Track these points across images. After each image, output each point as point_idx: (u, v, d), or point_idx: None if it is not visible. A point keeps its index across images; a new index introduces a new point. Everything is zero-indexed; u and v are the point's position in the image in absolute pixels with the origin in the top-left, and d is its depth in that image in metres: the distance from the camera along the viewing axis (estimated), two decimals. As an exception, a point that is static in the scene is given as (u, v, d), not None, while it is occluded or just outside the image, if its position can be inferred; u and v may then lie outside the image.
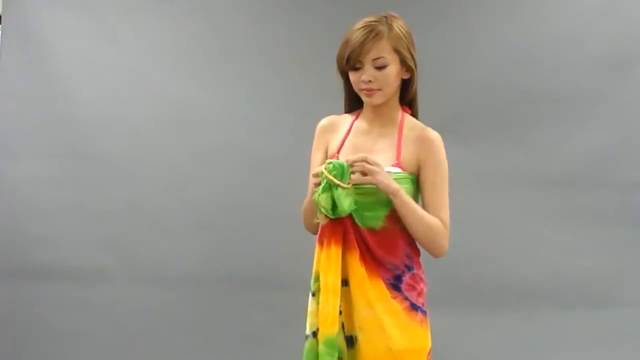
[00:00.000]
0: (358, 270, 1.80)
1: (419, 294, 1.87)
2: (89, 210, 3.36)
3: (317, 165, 1.94)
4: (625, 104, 3.19)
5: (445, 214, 1.87)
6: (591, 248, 3.18)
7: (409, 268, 1.86)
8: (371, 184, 1.76)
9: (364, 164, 1.75)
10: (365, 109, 1.98)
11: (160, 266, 3.34)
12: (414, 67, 1.91)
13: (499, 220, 3.22)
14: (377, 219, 1.84)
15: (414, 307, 1.84)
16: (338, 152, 1.93)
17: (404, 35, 1.88)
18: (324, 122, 2.03)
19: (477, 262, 3.19)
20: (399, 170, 1.85)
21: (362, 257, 1.81)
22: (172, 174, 3.36)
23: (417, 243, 1.90)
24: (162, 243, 3.35)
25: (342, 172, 1.74)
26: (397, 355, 1.78)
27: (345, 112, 2.04)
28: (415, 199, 1.89)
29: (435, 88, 3.11)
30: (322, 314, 1.77)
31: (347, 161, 1.76)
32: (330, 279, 1.78)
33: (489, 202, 3.22)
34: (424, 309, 1.87)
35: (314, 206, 1.81)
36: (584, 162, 3.19)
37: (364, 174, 1.75)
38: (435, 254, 1.88)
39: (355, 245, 1.81)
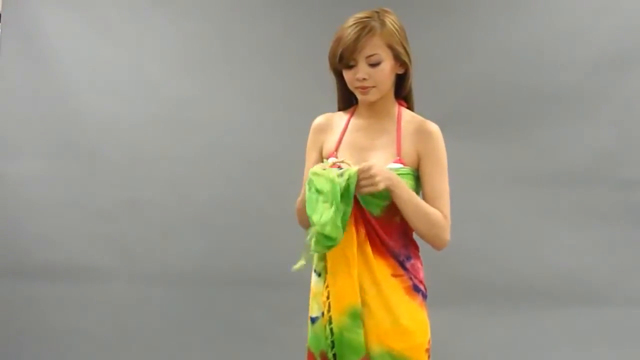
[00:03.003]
0: (363, 247, 1.79)
1: (420, 281, 1.87)
2: (89, 209, 3.36)
3: (311, 163, 1.94)
4: (626, 102, 3.18)
5: (446, 205, 1.85)
6: (592, 246, 3.18)
7: (408, 257, 1.86)
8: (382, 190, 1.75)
9: (370, 177, 1.71)
10: (361, 106, 1.97)
11: (160, 265, 3.35)
12: (408, 62, 1.89)
13: (499, 218, 3.22)
14: (377, 206, 1.83)
15: (415, 289, 1.84)
16: (336, 150, 1.92)
17: (396, 30, 1.86)
18: (318, 120, 2.01)
19: (476, 260, 3.19)
20: (400, 166, 1.84)
21: (368, 234, 1.81)
22: (172, 173, 3.37)
23: (414, 237, 1.90)
24: (162, 242, 3.35)
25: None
26: (400, 331, 1.77)
27: (339, 110, 2.02)
28: (417, 193, 1.88)
29: (435, 86, 3.14)
30: (347, 288, 1.76)
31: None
32: (350, 254, 1.77)
33: (489, 200, 3.22)
34: (426, 293, 1.87)
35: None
36: (584, 160, 3.18)
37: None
38: (436, 246, 1.87)
39: (362, 223, 1.81)
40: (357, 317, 1.76)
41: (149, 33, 3.39)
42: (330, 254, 1.80)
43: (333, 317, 1.77)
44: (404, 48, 1.88)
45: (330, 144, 1.95)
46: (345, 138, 1.93)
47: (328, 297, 1.80)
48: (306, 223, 1.94)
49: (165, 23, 3.39)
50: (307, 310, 1.91)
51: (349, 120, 1.97)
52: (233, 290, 3.30)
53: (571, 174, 3.19)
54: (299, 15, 3.33)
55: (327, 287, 1.81)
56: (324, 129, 1.99)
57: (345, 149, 1.91)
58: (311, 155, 2.00)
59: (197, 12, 3.38)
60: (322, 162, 1.94)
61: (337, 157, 1.89)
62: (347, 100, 2.00)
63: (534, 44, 3.23)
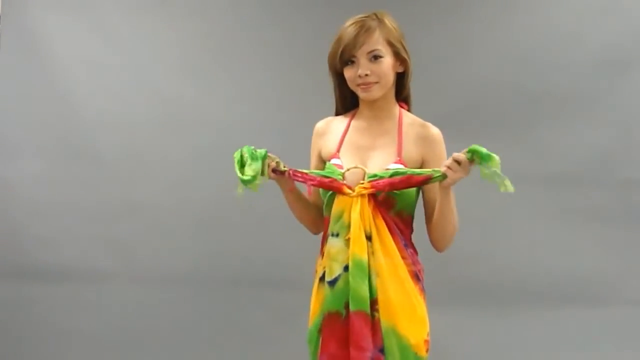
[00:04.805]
0: (375, 218, 1.81)
1: (420, 271, 1.88)
2: (89, 210, 3.36)
3: (313, 166, 2.01)
4: (625, 103, 3.18)
5: None
6: (591, 246, 3.18)
7: (408, 244, 1.88)
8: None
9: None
10: (362, 107, 1.98)
11: (160, 266, 3.34)
12: (407, 59, 1.91)
13: (498, 219, 3.21)
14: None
15: (417, 277, 1.85)
16: (337, 151, 1.93)
17: (394, 28, 1.89)
18: (318, 125, 2.04)
19: (476, 261, 3.19)
20: (401, 166, 1.85)
21: (377, 207, 1.82)
22: (172, 173, 3.37)
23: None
24: (162, 243, 3.35)
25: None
26: (406, 311, 1.79)
27: (336, 114, 2.03)
28: (417, 196, 1.89)
29: (435, 86, 3.14)
30: (355, 239, 1.78)
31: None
32: (361, 215, 1.79)
33: (488, 200, 3.21)
34: (423, 285, 1.88)
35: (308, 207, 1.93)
36: (583, 161, 3.19)
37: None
38: (441, 247, 1.91)
39: (371, 198, 1.82)
40: (360, 267, 1.77)
41: (149, 34, 3.39)
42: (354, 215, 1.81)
43: (350, 265, 1.80)
44: (403, 46, 1.90)
45: (329, 146, 1.97)
46: (346, 138, 1.95)
47: None
48: (311, 224, 2.01)
49: (164, 24, 3.39)
50: (307, 310, 1.91)
51: (350, 122, 1.98)
52: (233, 290, 3.30)
53: (571, 174, 3.19)
54: (298, 17, 3.33)
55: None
56: (322, 133, 2.01)
57: (347, 149, 1.92)
58: (312, 158, 2.04)
59: (197, 14, 3.38)
60: (324, 164, 1.97)
61: (339, 158, 1.91)
62: (346, 103, 2.01)
63: (534, 44, 3.23)
